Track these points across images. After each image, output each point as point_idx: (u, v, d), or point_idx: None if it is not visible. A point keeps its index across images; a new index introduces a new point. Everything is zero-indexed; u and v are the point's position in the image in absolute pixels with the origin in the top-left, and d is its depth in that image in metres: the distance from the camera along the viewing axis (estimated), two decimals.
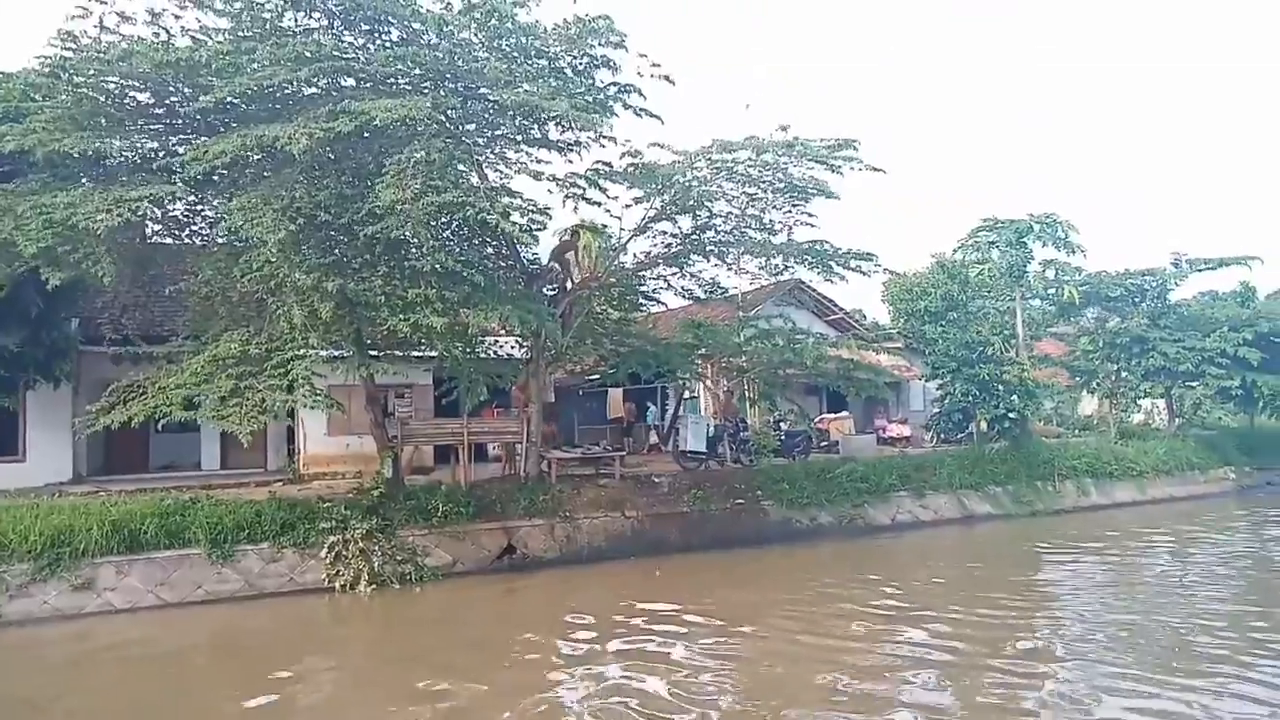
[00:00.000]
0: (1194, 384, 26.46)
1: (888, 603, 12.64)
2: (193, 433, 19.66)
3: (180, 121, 14.47)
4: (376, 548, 14.05)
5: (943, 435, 25.96)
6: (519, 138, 15.51)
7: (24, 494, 15.21)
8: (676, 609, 12.36)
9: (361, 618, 12.99)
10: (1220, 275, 29.56)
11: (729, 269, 21.08)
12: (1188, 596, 12.93)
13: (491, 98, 14.21)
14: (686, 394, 25.98)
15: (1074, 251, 26.92)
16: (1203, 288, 32.48)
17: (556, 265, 17.95)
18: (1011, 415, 23.22)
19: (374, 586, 13.58)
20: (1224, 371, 25.43)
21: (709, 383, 23.66)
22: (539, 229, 15.71)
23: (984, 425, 24.05)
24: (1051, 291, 28.91)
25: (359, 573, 13.64)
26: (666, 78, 15.62)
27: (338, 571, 13.67)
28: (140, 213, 12.60)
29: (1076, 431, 29.95)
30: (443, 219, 14.40)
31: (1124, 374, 27.77)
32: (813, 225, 19.42)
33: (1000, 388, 23.05)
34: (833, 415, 27.11)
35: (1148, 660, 9.55)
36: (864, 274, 19.71)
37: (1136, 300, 28.15)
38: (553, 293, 18.77)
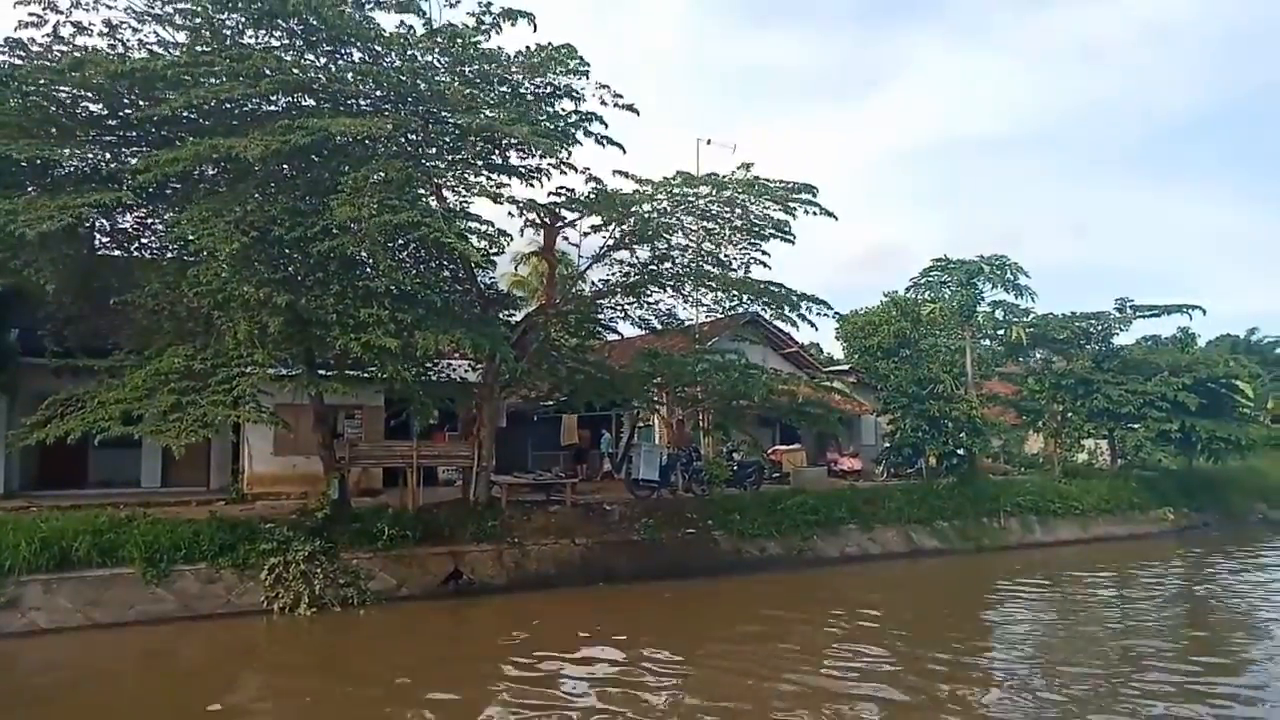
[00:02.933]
0: (1135, 426, 27.14)
1: (835, 637, 12.67)
2: (133, 449, 19.16)
3: (134, 133, 14.30)
4: (319, 570, 13.77)
5: (893, 469, 26.30)
6: (480, 163, 15.55)
7: None
8: (624, 638, 12.30)
9: (299, 642, 12.69)
10: (1162, 321, 30.58)
11: (685, 301, 21.33)
12: (1130, 637, 13.03)
13: (453, 121, 14.28)
14: (640, 422, 26.00)
15: (1022, 294, 27.66)
16: (1145, 333, 33.53)
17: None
18: (960, 452, 23.65)
19: (314, 609, 13.30)
20: (1164, 415, 26.14)
21: (663, 412, 23.72)
22: (496, 253, 15.77)
23: (933, 461, 24.40)
24: (1000, 332, 29.59)
25: (299, 595, 13.36)
26: (630, 107, 15.85)
27: (277, 594, 13.37)
28: (85, 219, 12.39)
29: (1022, 469, 30.51)
30: (399, 239, 14.36)
31: (1069, 414, 28.40)
32: (767, 265, 19.73)
33: (950, 424, 23.45)
34: (785, 447, 27.31)
35: (1091, 702, 9.57)
36: (811, 324, 20.04)
37: (1082, 343, 28.94)
38: (509, 317, 18.78)
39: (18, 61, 13.20)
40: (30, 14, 13.21)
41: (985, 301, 28.30)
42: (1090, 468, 29.79)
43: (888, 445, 26.10)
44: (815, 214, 18.24)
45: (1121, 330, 29.12)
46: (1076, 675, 10.55)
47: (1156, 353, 30.32)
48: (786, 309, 19.70)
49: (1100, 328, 28.55)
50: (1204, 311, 28.32)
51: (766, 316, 23.45)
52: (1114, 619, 14.52)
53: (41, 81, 13.09)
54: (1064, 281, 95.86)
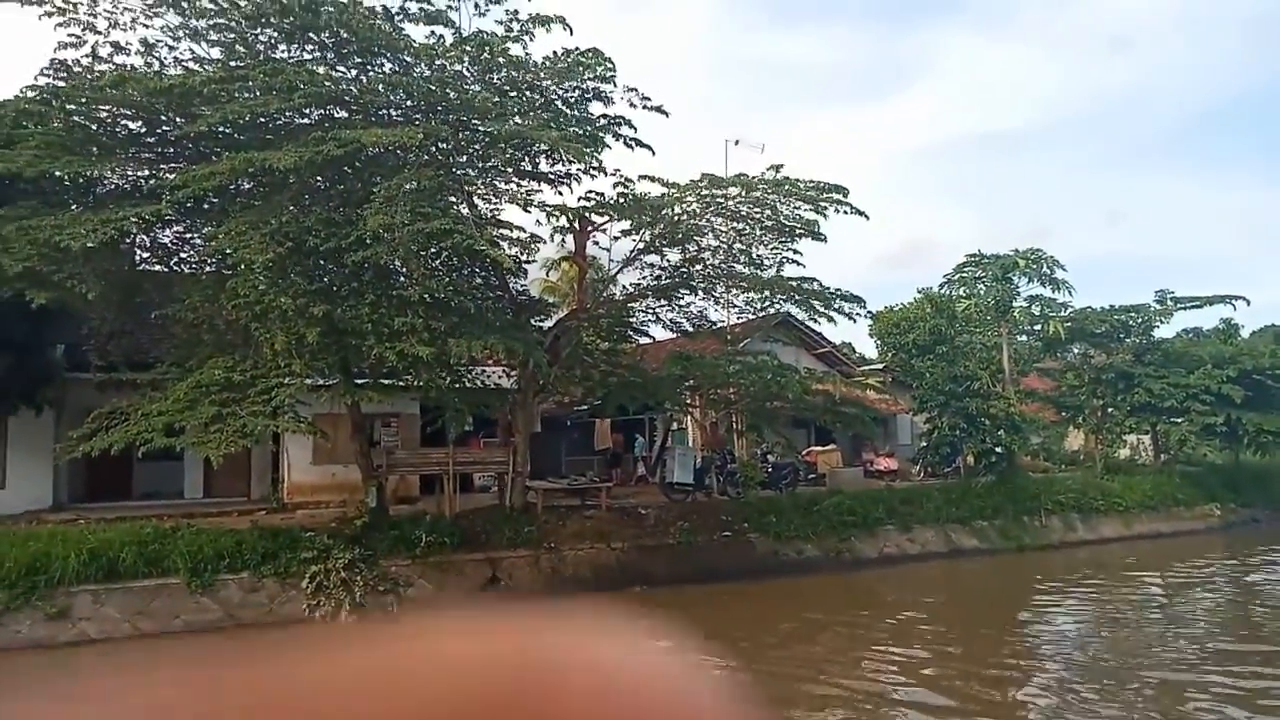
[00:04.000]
0: (1179, 420, 26.56)
1: (877, 643, 12.48)
2: (176, 461, 19.47)
3: (172, 150, 14.58)
4: (359, 578, 13.89)
5: (930, 469, 25.97)
6: (510, 170, 15.64)
7: (2, 521, 15.00)
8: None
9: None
10: (1204, 313, 29.96)
11: (716, 303, 21.26)
12: (1177, 639, 12.72)
13: (482, 129, 14.36)
14: (674, 425, 25.92)
15: (1059, 288, 27.20)
16: (1187, 325, 32.84)
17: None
18: (998, 449, 23.29)
19: (355, 617, 13.41)
20: (1208, 408, 25.59)
21: (696, 415, 23.64)
22: (528, 260, 15.85)
23: (971, 459, 24.07)
24: (1037, 327, 29.12)
25: (340, 603, 13.49)
26: (659, 109, 15.85)
27: (319, 602, 13.52)
28: (127, 234, 12.64)
29: (1063, 466, 30.00)
30: (431, 248, 14.49)
31: (1109, 409, 27.90)
32: (800, 263, 19.61)
33: (987, 422, 23.11)
34: (820, 448, 27.04)
35: (1144, 707, 9.30)
36: (850, 317, 19.84)
37: (1121, 336, 28.39)
38: (541, 323, 18.85)
39: (60, 83, 13.49)
40: (70, 35, 13.49)
41: (1021, 296, 27.87)
42: (1133, 463, 29.21)
43: (924, 444, 25.77)
44: (846, 213, 18.10)
45: (1162, 323, 28.54)
46: (1125, 691, 10.20)
47: (1199, 345, 29.70)
48: (820, 306, 19.55)
49: (1140, 320, 27.98)
50: (1248, 302, 27.74)
51: (799, 316, 23.29)
52: (1163, 618, 14.23)
53: (83, 100, 13.39)
54: (1098, 274, 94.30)
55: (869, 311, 20.58)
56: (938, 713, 9.18)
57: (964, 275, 28.00)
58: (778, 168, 18.27)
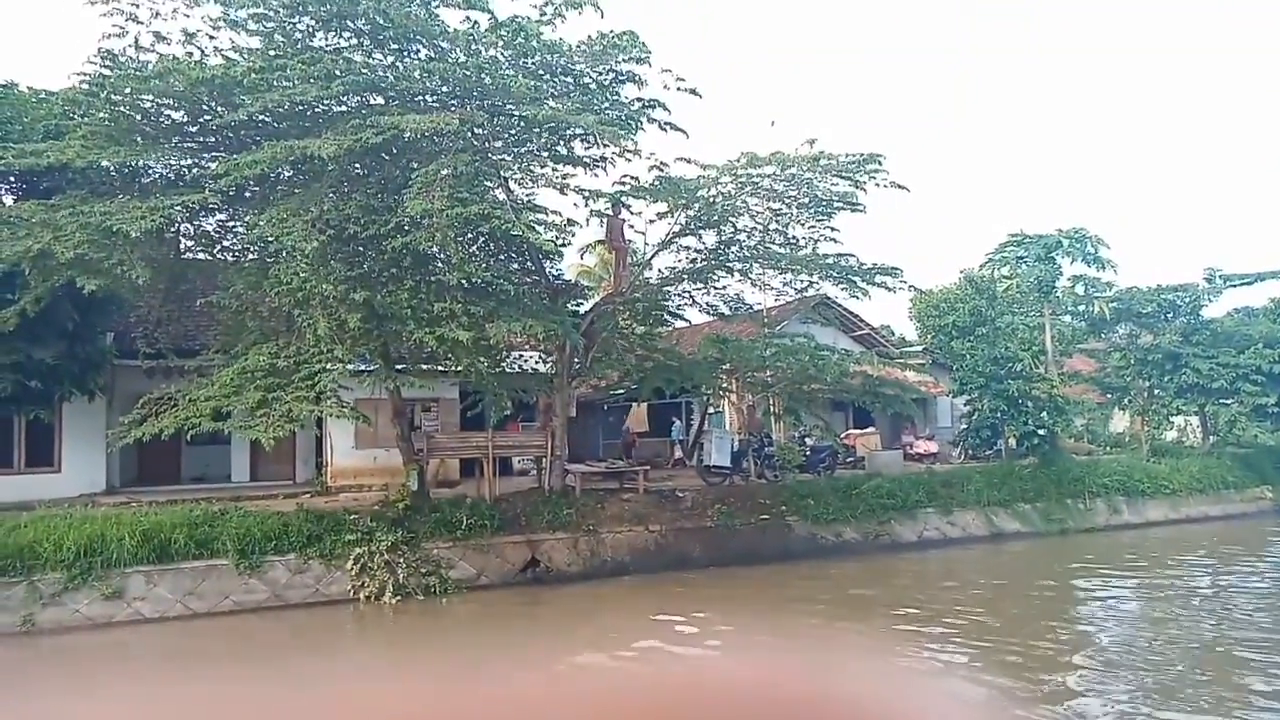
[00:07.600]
0: (1228, 401, 25.96)
1: (918, 628, 12.36)
2: (223, 445, 19.93)
3: (213, 139, 14.79)
4: (401, 560, 14.12)
5: (971, 451, 25.69)
6: (545, 154, 15.65)
7: (58, 504, 15.43)
8: (706, 629, 12.24)
9: (388, 629, 13.02)
10: (1255, 291, 29.16)
11: (753, 285, 21.13)
12: (1228, 626, 12.36)
13: (518, 114, 14.38)
14: (711, 409, 25.90)
15: (1104, 267, 26.61)
16: (1237, 304, 31.96)
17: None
18: (1041, 432, 22.92)
19: (398, 598, 13.63)
20: (1259, 388, 24.98)
21: (733, 398, 23.60)
22: (564, 245, 15.88)
23: (1013, 442, 23.75)
24: (1081, 307, 28.54)
25: (384, 584, 13.72)
26: (693, 91, 15.72)
27: (363, 583, 13.76)
28: (173, 221, 12.88)
29: (1108, 449, 29.50)
30: (469, 233, 14.56)
31: (1156, 391, 27.32)
32: (836, 241, 19.36)
33: (1029, 404, 22.78)
34: (859, 431, 26.90)
35: (1187, 697, 9.13)
36: (889, 289, 19.52)
37: (1169, 316, 27.70)
38: (578, 307, 18.90)
39: (107, 71, 13.74)
40: (114, 26, 13.72)
41: (1064, 276, 27.34)
42: (1180, 446, 28.64)
43: (965, 427, 25.49)
44: (885, 186, 17.82)
45: (1211, 301, 27.80)
46: (1177, 683, 9.85)
47: (1250, 324, 28.91)
48: (859, 281, 19.30)
49: (1188, 299, 27.32)
50: None
51: (837, 295, 23.02)
52: (1213, 602, 13.93)
53: (127, 90, 13.62)
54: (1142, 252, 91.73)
55: (911, 285, 20.13)
56: (979, 696, 9.10)
57: (1005, 255, 27.53)
58: (812, 142, 18.05)
